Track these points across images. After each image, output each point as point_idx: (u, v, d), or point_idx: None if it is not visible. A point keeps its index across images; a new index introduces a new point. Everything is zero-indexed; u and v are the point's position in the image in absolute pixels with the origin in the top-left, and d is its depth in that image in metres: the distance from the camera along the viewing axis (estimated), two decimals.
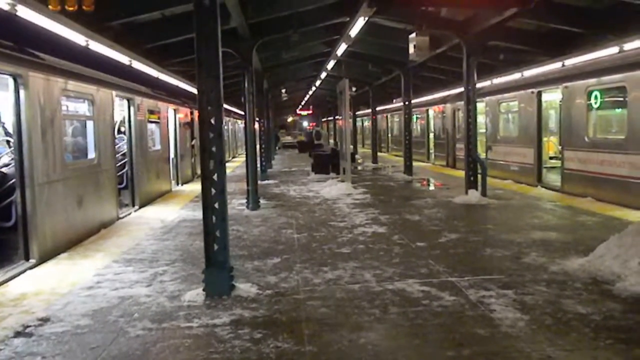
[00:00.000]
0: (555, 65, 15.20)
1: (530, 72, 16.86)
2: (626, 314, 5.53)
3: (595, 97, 13.22)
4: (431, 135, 28.02)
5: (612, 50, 12.55)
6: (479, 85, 15.53)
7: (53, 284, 7.13)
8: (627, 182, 11.92)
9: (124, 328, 5.50)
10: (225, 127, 30.91)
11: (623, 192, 12.04)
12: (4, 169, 8.82)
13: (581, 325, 5.28)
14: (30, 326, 5.58)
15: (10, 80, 7.89)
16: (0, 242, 8.39)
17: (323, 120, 70.24)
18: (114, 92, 11.97)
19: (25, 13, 7.45)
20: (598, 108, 13.35)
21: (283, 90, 33.70)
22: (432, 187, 17.74)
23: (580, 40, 13.97)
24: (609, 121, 13.60)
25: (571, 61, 14.42)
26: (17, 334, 5.38)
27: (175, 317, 5.80)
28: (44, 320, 5.74)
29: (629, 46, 11.99)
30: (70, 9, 7.55)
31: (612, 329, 5.19)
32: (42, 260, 8.22)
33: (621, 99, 12.38)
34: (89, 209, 10.40)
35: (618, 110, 12.95)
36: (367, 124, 43.12)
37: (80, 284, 7.11)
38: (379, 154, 29.45)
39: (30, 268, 7.86)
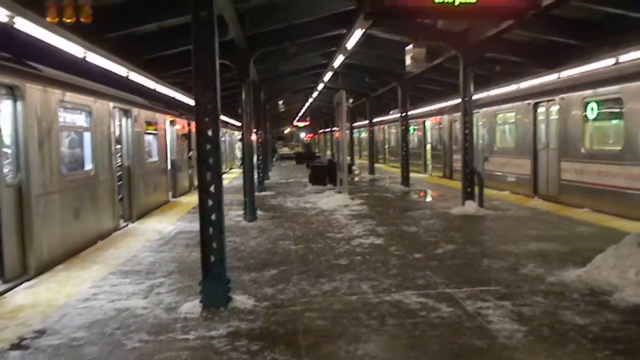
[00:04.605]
0: (552, 77, 15.27)
1: (526, 84, 16.93)
2: (624, 325, 5.52)
3: (592, 108, 13.27)
4: (428, 147, 28.08)
5: (608, 61, 12.62)
6: (475, 96, 15.60)
7: (49, 296, 7.11)
8: (624, 193, 11.94)
9: (121, 340, 5.47)
10: (223, 139, 30.97)
11: (620, 203, 12.05)
12: None
13: (579, 336, 5.27)
14: (26, 338, 5.55)
15: (8, 92, 7.89)
16: None
17: (320, 131, 70.27)
18: (111, 104, 11.98)
19: (23, 25, 7.47)
20: (594, 119, 13.40)
21: (280, 102, 33.74)
22: (429, 198, 17.74)
23: (576, 52, 14.06)
24: (605, 132, 13.63)
25: (567, 73, 14.50)
26: (14, 347, 5.35)
27: (172, 329, 5.78)
28: (41, 333, 5.71)
29: (624, 58, 12.06)
30: (68, 20, 7.56)
31: (610, 340, 5.18)
32: (39, 272, 8.18)
33: (617, 110, 12.42)
34: (86, 221, 10.38)
35: (614, 122, 12.98)
36: (364, 135, 43.18)
37: (77, 296, 7.09)
38: (376, 165, 29.48)
39: (27, 280, 7.83)
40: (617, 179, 12.18)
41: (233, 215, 13.78)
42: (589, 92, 13.32)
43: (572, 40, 13.82)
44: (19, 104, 7.99)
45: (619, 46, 12.26)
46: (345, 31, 13.54)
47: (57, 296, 7.08)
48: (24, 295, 7.19)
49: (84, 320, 6.10)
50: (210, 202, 6.52)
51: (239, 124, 16.86)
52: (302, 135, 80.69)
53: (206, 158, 6.52)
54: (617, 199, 12.16)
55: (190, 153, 21.20)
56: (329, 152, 52.87)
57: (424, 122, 28.20)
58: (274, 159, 45.40)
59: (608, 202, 12.47)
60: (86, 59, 9.88)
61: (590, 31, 13.05)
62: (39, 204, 8.42)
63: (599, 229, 10.86)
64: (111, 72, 11.66)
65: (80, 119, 11.07)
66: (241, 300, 6.61)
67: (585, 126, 13.60)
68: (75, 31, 8.75)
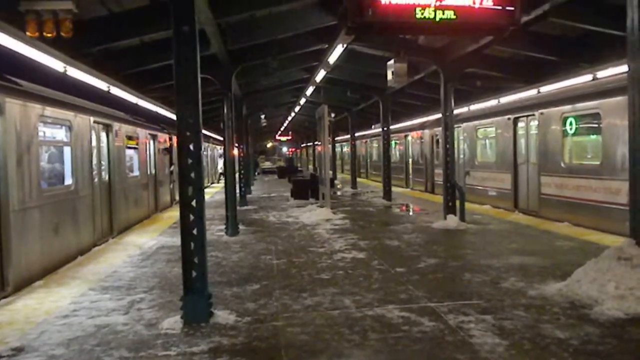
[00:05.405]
0: (531, 92, 15.45)
1: (506, 99, 17.10)
2: (604, 338, 5.56)
3: (570, 123, 13.44)
4: (410, 161, 28.19)
5: (586, 77, 12.80)
6: (456, 111, 15.71)
7: (28, 312, 7.01)
8: (603, 207, 12.07)
9: (101, 357, 5.41)
10: (204, 153, 30.84)
11: (599, 217, 12.18)
12: None
13: (560, 350, 5.30)
14: (3, 357, 5.46)
15: None
16: None
17: (302, 145, 70.30)
18: (92, 118, 11.92)
19: (2, 39, 7.42)
20: (573, 134, 13.57)
21: (262, 116, 33.72)
22: (411, 213, 17.79)
23: (555, 68, 14.25)
24: (584, 147, 13.79)
25: (546, 88, 14.68)
26: None
27: (152, 345, 5.72)
28: (18, 350, 5.63)
29: (602, 74, 12.22)
30: (49, 35, 7.51)
31: (590, 353, 5.21)
32: (17, 288, 8.07)
33: (595, 125, 12.59)
34: (66, 236, 10.28)
35: (593, 137, 13.14)
36: (346, 149, 43.25)
37: (56, 312, 7.00)
38: (358, 179, 29.53)
39: (5, 297, 7.72)
40: (596, 193, 12.32)
41: (215, 229, 13.71)
42: (567, 107, 13.49)
43: (551, 56, 14.02)
44: None
45: (596, 63, 12.45)
46: (327, 46, 13.61)
47: (36, 313, 6.99)
48: (1, 312, 7.08)
49: (63, 337, 6.02)
50: (191, 217, 6.49)
51: (221, 138, 16.83)
52: (285, 149, 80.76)
53: (188, 172, 6.51)
54: (596, 213, 12.28)
55: (172, 167, 21.11)
56: (311, 166, 52.87)
57: (405, 136, 28.34)
58: (256, 173, 45.34)
59: (587, 216, 12.60)
60: (67, 73, 9.82)
61: (569, 48, 13.26)
62: (18, 220, 8.32)
63: (578, 242, 10.96)
64: (92, 86, 11.60)
65: (61, 134, 10.99)
66: (223, 315, 6.58)
67: (564, 141, 13.77)
68: (56, 46, 8.70)
